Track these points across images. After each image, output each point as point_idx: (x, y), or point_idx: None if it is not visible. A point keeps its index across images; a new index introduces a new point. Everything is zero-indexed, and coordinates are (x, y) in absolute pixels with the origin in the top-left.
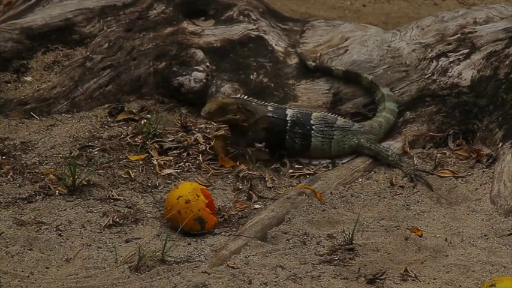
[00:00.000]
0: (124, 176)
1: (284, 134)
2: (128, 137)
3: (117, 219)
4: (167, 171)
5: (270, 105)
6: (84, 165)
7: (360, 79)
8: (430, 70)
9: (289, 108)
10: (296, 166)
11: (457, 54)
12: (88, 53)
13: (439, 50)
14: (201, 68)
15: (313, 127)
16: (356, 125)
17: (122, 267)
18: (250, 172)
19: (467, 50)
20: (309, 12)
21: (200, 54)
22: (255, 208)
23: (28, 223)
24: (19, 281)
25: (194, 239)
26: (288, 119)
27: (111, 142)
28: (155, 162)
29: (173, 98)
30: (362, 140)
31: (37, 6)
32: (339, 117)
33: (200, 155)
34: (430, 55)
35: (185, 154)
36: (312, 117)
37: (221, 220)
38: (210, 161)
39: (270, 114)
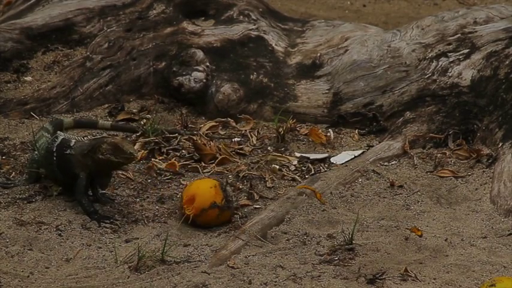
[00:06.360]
0: (123, 176)
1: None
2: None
3: (117, 219)
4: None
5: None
6: None
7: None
8: (430, 70)
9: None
10: None
11: (457, 54)
12: (88, 53)
13: (439, 50)
14: (201, 68)
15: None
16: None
17: (122, 267)
18: (251, 172)
19: (467, 50)
20: (309, 12)
21: (200, 54)
22: (255, 208)
23: (28, 223)
24: (19, 281)
25: (194, 239)
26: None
27: None
28: (155, 162)
29: (173, 98)
30: None
31: (37, 6)
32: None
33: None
34: (430, 55)
35: (185, 153)
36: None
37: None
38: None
39: None
